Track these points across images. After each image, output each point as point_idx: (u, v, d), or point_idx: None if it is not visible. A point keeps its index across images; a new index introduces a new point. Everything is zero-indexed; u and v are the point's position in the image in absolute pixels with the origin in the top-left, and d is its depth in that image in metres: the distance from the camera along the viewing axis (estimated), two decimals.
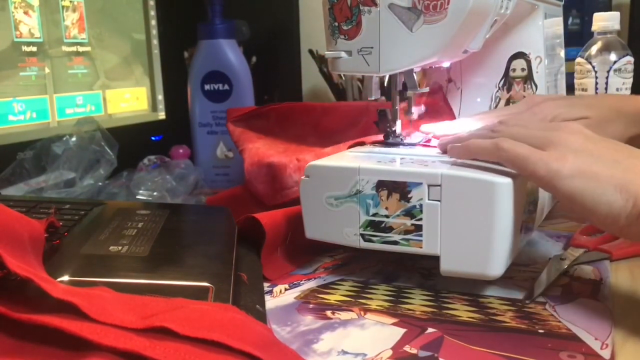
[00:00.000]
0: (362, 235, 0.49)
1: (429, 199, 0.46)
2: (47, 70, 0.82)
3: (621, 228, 0.39)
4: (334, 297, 0.48)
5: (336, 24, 0.53)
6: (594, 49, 0.80)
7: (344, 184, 0.49)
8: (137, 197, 0.75)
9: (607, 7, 1.04)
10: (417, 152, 0.55)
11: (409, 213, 0.47)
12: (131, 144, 0.85)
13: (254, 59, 1.04)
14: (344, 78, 1.00)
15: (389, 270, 0.53)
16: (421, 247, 0.47)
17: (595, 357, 0.37)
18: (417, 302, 0.46)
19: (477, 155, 0.47)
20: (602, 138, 0.46)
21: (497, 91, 0.66)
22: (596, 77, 0.80)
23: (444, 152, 0.52)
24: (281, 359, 0.31)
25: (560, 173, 0.41)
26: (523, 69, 0.65)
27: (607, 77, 0.78)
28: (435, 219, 0.46)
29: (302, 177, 0.51)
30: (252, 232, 0.56)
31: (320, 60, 1.03)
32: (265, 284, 0.50)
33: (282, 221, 0.55)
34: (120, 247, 0.45)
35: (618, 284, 0.49)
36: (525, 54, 0.64)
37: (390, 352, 0.38)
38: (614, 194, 0.39)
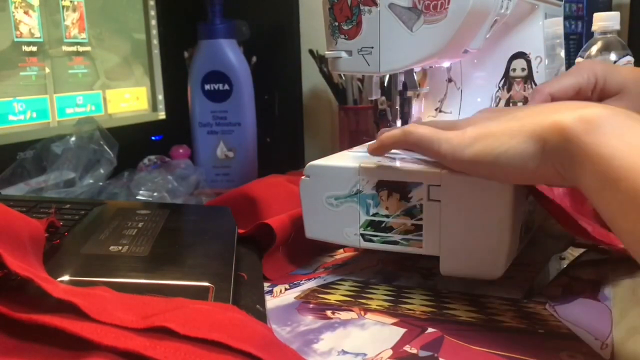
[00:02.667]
0: (362, 235, 0.49)
1: (429, 199, 0.46)
2: (47, 70, 0.81)
3: (532, 173, 0.39)
4: (334, 297, 0.48)
5: (336, 23, 0.53)
6: (594, 49, 0.80)
7: (344, 184, 0.49)
8: (137, 197, 0.75)
9: (607, 7, 1.04)
10: None
11: (409, 213, 0.47)
12: (131, 144, 0.85)
13: (254, 59, 1.04)
14: (344, 78, 1.00)
15: (389, 270, 0.53)
16: (421, 247, 0.47)
17: (595, 357, 0.37)
18: (417, 302, 0.46)
19: (390, 146, 0.48)
20: (512, 108, 0.46)
21: (497, 91, 0.66)
22: None
23: (370, 153, 0.51)
24: (281, 358, 0.31)
25: (461, 145, 0.41)
26: (523, 69, 0.65)
27: None
28: (435, 219, 0.46)
29: (303, 177, 0.51)
30: (253, 233, 0.56)
31: (320, 60, 1.03)
32: (266, 284, 0.50)
33: (288, 224, 0.55)
34: (120, 247, 0.45)
35: (618, 284, 0.49)
36: (526, 54, 0.64)
37: (390, 352, 0.38)
38: (510, 140, 0.39)
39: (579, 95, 0.55)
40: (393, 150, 0.57)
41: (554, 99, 0.54)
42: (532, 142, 0.37)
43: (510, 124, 0.40)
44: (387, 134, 0.48)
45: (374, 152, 0.50)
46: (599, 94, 0.55)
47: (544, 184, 0.40)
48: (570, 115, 0.35)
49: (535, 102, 0.54)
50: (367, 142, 0.60)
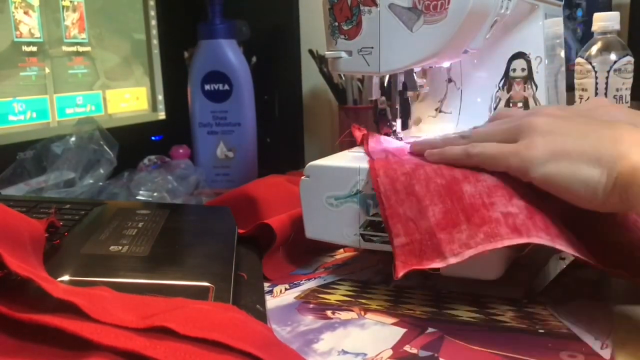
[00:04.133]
0: (362, 235, 0.49)
1: None
2: (47, 70, 0.81)
3: (601, 202, 0.39)
4: (334, 297, 0.48)
5: (336, 24, 0.53)
6: (594, 49, 0.80)
7: (344, 184, 0.49)
8: (137, 197, 0.75)
9: (607, 7, 1.04)
10: None
11: None
12: (131, 144, 0.85)
13: (254, 59, 1.04)
14: (344, 78, 1.00)
15: (389, 270, 0.53)
16: None
17: (595, 357, 0.37)
18: (417, 302, 0.46)
19: (452, 162, 0.46)
20: (571, 113, 0.45)
21: (497, 91, 0.66)
22: (596, 77, 0.80)
23: (415, 153, 0.50)
24: (281, 358, 0.31)
25: (533, 161, 0.41)
26: (523, 69, 0.65)
27: (607, 77, 0.78)
28: None
29: (303, 177, 0.51)
30: (253, 233, 0.56)
31: (320, 60, 1.02)
32: (266, 284, 0.50)
33: (288, 224, 0.55)
34: (120, 247, 0.45)
35: (618, 284, 0.49)
36: (525, 54, 0.64)
37: (390, 352, 0.38)
38: (587, 169, 0.39)
39: None
40: (391, 145, 0.56)
41: None
42: (607, 174, 0.38)
43: (584, 145, 0.39)
44: (450, 150, 0.46)
45: (432, 159, 0.47)
46: None
47: (612, 211, 0.40)
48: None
49: None
50: (357, 130, 0.59)
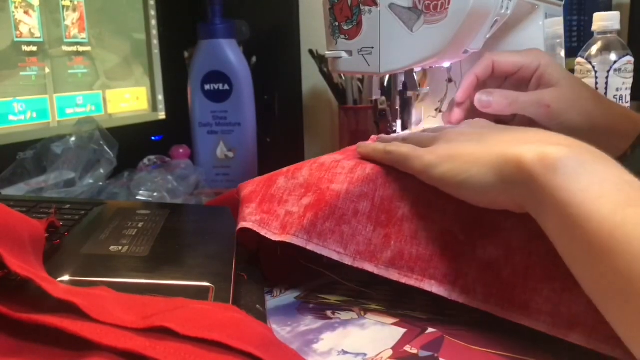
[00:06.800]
0: None
1: None
2: (47, 70, 0.82)
3: (492, 200, 0.40)
4: (334, 297, 0.48)
5: (336, 23, 0.53)
6: (594, 49, 0.80)
7: None
8: (137, 197, 0.75)
9: (607, 7, 1.04)
10: None
11: None
12: (131, 144, 0.85)
13: (254, 59, 1.04)
14: (344, 78, 1.00)
15: None
16: None
17: (596, 357, 0.37)
18: (417, 302, 0.46)
19: (376, 160, 0.49)
20: (493, 125, 0.48)
21: None
22: (596, 77, 0.80)
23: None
24: (281, 358, 0.31)
25: (431, 163, 0.42)
26: None
27: (607, 77, 0.78)
28: None
29: None
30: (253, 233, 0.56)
31: (320, 60, 1.03)
32: (266, 284, 0.50)
33: None
34: (120, 247, 0.45)
35: None
36: None
37: (390, 352, 0.38)
38: (476, 169, 0.39)
39: (518, 73, 0.57)
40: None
41: (495, 67, 0.57)
42: (492, 172, 0.38)
43: (477, 148, 0.41)
44: (374, 148, 0.49)
45: (363, 158, 0.50)
46: (536, 80, 0.57)
47: (509, 209, 0.40)
48: (532, 151, 0.36)
49: (479, 67, 0.57)
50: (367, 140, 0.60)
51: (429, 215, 0.44)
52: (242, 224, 0.49)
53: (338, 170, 0.48)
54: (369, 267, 0.44)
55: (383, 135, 0.57)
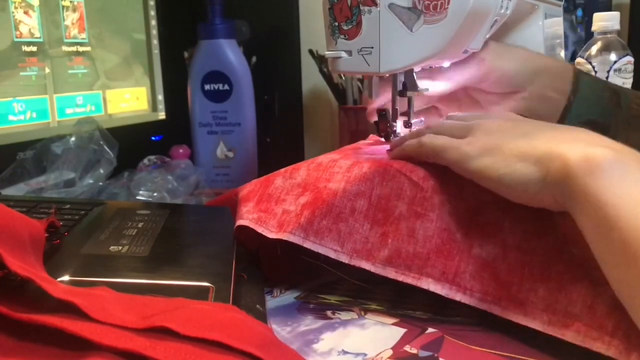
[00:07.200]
0: None
1: None
2: (47, 70, 0.81)
3: (531, 196, 0.39)
4: (334, 297, 0.48)
5: (336, 23, 0.53)
6: (594, 49, 0.80)
7: None
8: (137, 197, 0.75)
9: (607, 7, 1.04)
10: None
11: None
12: (131, 144, 0.85)
13: (254, 59, 1.04)
14: (344, 78, 1.00)
15: None
16: None
17: (596, 357, 0.37)
18: (417, 302, 0.46)
19: (410, 155, 0.48)
20: (527, 120, 0.47)
21: None
22: None
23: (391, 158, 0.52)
24: (281, 358, 0.31)
25: (469, 154, 0.42)
26: None
27: (607, 77, 0.78)
28: None
29: None
30: (252, 232, 0.56)
31: (320, 60, 1.02)
32: (266, 284, 0.50)
33: None
34: (120, 247, 0.45)
35: None
36: None
37: (390, 352, 0.38)
38: (518, 164, 0.39)
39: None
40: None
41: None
42: (536, 168, 0.38)
43: (520, 143, 0.40)
44: (407, 143, 0.48)
45: (394, 157, 0.50)
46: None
47: (544, 207, 0.40)
48: (577, 151, 0.36)
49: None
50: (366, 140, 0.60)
51: (426, 214, 0.44)
52: (240, 222, 0.49)
53: (335, 169, 0.48)
54: (366, 265, 0.44)
55: (411, 131, 0.56)
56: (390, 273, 0.43)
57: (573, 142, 0.37)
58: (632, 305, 0.33)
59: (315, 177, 0.49)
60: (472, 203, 0.44)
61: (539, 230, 0.41)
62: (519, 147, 0.39)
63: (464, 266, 0.42)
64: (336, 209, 0.45)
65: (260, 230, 0.47)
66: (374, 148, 0.58)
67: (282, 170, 0.52)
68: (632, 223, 0.32)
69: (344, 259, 0.44)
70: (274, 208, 0.48)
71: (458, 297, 0.41)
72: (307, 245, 0.45)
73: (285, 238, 0.46)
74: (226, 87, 0.92)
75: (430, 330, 0.41)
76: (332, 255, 0.45)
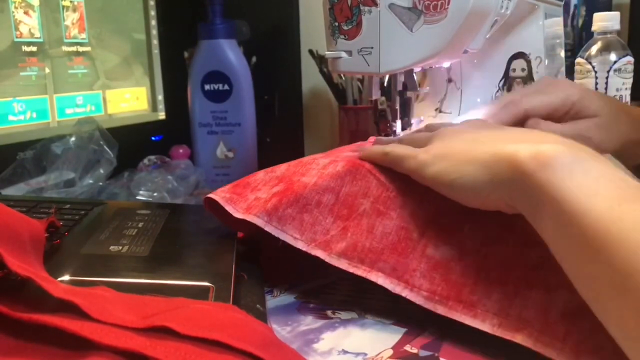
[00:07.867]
0: None
1: None
2: (47, 70, 0.82)
3: (483, 200, 0.39)
4: (334, 297, 0.48)
5: (336, 24, 0.53)
6: (594, 49, 0.80)
7: None
8: (137, 197, 0.75)
9: (607, 7, 1.04)
10: None
11: None
12: (131, 144, 0.85)
13: (254, 59, 1.04)
14: (344, 78, 1.00)
15: None
16: None
17: None
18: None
19: (373, 159, 0.48)
20: (488, 124, 0.48)
21: (497, 91, 0.66)
22: (596, 77, 0.80)
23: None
24: (282, 358, 0.31)
25: (425, 162, 0.42)
26: (523, 69, 0.65)
27: (607, 77, 0.78)
28: None
29: None
30: (252, 231, 0.56)
31: (320, 60, 1.03)
32: (266, 284, 0.50)
33: None
34: (120, 247, 0.45)
35: None
36: (525, 54, 0.64)
37: (390, 352, 0.38)
38: (466, 167, 0.39)
39: (551, 116, 0.55)
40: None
41: (527, 114, 0.54)
42: (485, 171, 0.38)
43: (471, 147, 0.40)
44: (372, 151, 0.49)
45: (362, 158, 0.50)
46: (572, 117, 0.55)
47: (500, 210, 0.40)
48: (526, 149, 0.35)
49: (507, 116, 0.54)
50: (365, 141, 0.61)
51: (388, 213, 0.45)
52: (211, 195, 0.50)
53: (313, 166, 0.49)
54: (322, 255, 0.44)
55: (381, 137, 0.57)
56: (343, 264, 0.44)
57: (521, 141, 0.37)
58: (596, 300, 0.32)
59: (292, 172, 0.49)
60: (436, 205, 0.44)
61: (499, 235, 0.41)
62: (468, 152, 0.40)
63: (416, 264, 0.42)
64: (303, 200, 0.46)
65: (228, 208, 0.48)
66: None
67: (269, 168, 0.52)
68: (590, 215, 0.31)
69: (301, 246, 0.45)
70: (247, 194, 0.49)
71: (405, 293, 0.42)
72: (268, 229, 0.46)
73: (248, 219, 0.46)
74: (226, 87, 0.92)
75: (430, 330, 0.41)
76: (290, 241, 0.45)
